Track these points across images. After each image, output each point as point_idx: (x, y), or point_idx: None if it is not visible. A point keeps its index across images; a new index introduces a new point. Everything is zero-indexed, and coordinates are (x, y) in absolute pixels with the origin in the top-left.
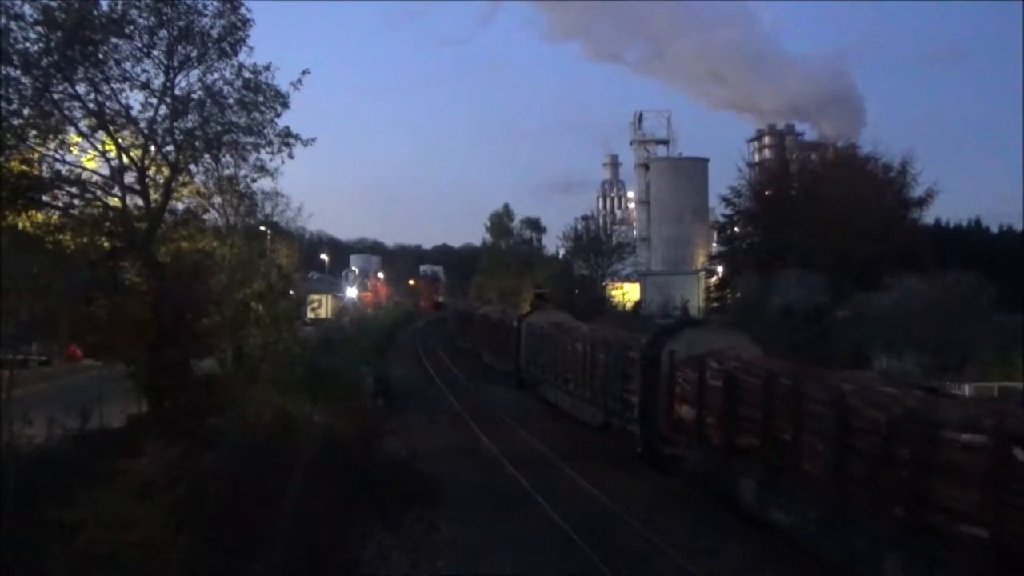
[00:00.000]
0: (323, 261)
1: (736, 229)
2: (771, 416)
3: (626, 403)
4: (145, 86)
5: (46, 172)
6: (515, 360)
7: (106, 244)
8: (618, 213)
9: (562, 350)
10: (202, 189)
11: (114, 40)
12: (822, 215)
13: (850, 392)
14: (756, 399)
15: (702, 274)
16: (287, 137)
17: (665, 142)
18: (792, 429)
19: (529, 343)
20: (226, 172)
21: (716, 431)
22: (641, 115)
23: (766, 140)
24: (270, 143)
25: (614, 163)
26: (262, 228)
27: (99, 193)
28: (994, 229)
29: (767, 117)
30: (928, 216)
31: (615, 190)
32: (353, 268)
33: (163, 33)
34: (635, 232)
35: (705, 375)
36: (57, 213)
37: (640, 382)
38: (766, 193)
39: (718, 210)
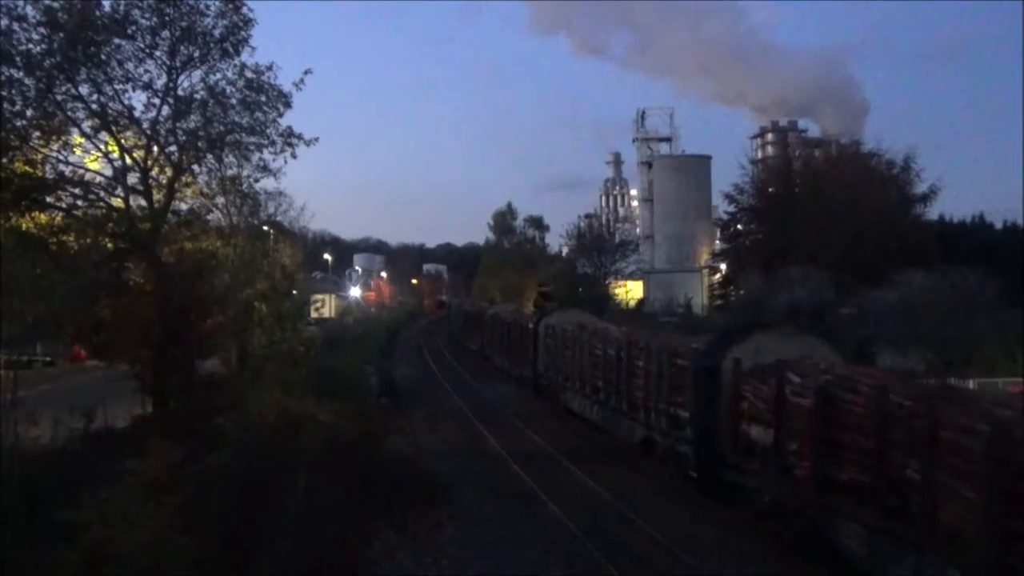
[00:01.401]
0: (326, 261)
1: (739, 226)
2: (886, 446)
3: (674, 419)
4: (148, 87)
5: (49, 173)
6: (532, 364)
7: (110, 245)
8: (621, 211)
9: (590, 355)
10: (205, 189)
11: (116, 41)
12: (826, 212)
13: (1012, 419)
14: (863, 423)
15: (705, 271)
16: (290, 137)
17: (668, 139)
18: (920, 466)
19: (548, 346)
20: (229, 172)
21: (803, 460)
22: (644, 113)
23: (769, 137)
24: (273, 143)
25: (617, 161)
26: (265, 228)
27: (102, 194)
28: (998, 225)
29: (768, 113)
30: (932, 212)
31: (618, 188)
32: (357, 267)
33: (165, 33)
34: (638, 230)
35: (784, 390)
36: (61, 214)
37: (693, 395)
38: (769, 190)
39: (721, 207)
